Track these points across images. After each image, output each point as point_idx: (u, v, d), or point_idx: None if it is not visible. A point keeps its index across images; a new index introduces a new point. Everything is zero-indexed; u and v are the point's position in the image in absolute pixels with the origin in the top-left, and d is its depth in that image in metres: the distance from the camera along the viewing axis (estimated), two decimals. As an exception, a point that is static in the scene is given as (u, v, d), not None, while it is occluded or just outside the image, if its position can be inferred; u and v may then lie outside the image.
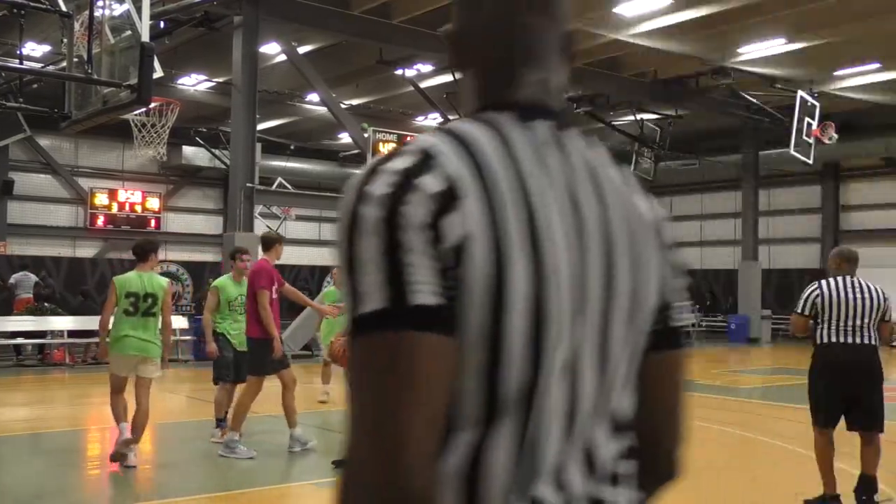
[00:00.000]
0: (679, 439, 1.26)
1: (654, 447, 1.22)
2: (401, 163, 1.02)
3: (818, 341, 6.19)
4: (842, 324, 6.10)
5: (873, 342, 6.20)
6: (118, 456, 7.35)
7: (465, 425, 1.01)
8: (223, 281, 8.80)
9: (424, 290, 0.96)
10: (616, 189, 1.15)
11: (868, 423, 6.15)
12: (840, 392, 6.12)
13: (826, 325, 6.13)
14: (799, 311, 6.26)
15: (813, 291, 6.22)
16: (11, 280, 19.21)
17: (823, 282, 6.23)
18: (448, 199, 0.99)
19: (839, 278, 6.22)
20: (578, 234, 1.08)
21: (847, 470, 6.53)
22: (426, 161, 1.02)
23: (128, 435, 7.31)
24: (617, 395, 1.14)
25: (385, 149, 19.29)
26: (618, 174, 1.18)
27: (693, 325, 26.88)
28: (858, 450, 6.23)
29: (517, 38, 1.16)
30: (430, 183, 0.99)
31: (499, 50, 1.17)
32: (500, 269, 0.99)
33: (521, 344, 1.01)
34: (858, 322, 6.11)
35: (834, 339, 6.11)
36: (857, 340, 6.12)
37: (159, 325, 7.61)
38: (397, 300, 0.96)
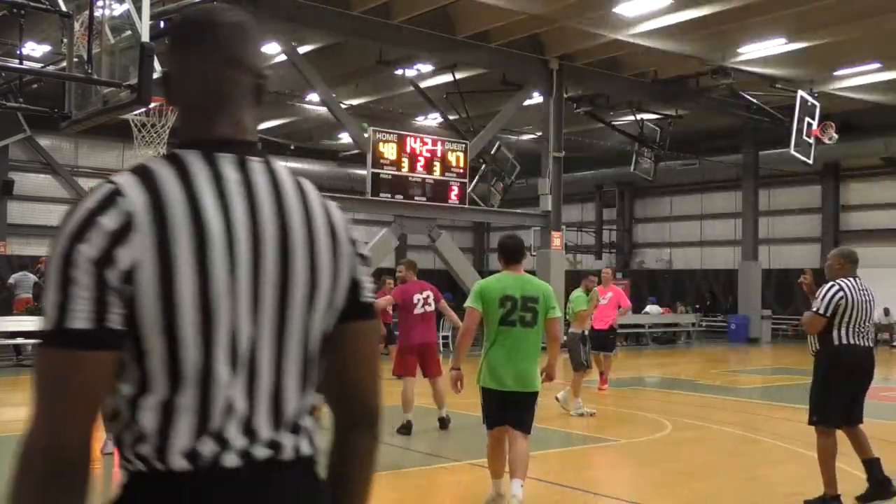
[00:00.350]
0: (374, 390, 1.56)
1: (353, 397, 1.54)
2: (91, 202, 1.34)
3: (836, 342, 6.13)
4: (858, 326, 6.14)
5: (872, 343, 6.35)
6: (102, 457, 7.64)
7: (155, 390, 1.35)
8: None
9: (81, 318, 1.29)
10: (296, 201, 1.44)
11: (861, 418, 6.30)
12: (853, 392, 6.20)
13: (844, 328, 6.11)
14: (822, 312, 6.11)
15: (836, 293, 6.11)
16: (11, 280, 19.21)
17: (842, 283, 6.16)
18: (121, 234, 1.31)
19: (851, 280, 6.20)
20: (254, 242, 1.38)
21: (847, 470, 6.54)
22: (110, 199, 1.33)
23: (112, 446, 7.45)
24: (302, 363, 1.45)
25: (385, 149, 19.31)
26: (300, 189, 1.47)
27: (693, 324, 26.90)
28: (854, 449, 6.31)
29: (213, 86, 1.46)
30: (108, 221, 1.31)
31: (198, 95, 1.46)
32: (167, 285, 1.31)
33: (193, 337, 1.34)
34: (869, 324, 6.22)
35: (853, 342, 6.13)
36: (868, 343, 6.23)
37: None
38: (60, 324, 1.30)
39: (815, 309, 6.16)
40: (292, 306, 1.42)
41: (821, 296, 6.16)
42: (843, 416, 6.19)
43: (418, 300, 9.23)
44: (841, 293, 6.10)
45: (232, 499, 1.37)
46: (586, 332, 10.92)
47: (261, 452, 1.39)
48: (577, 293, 11.11)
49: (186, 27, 1.50)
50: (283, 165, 1.49)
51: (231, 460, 1.37)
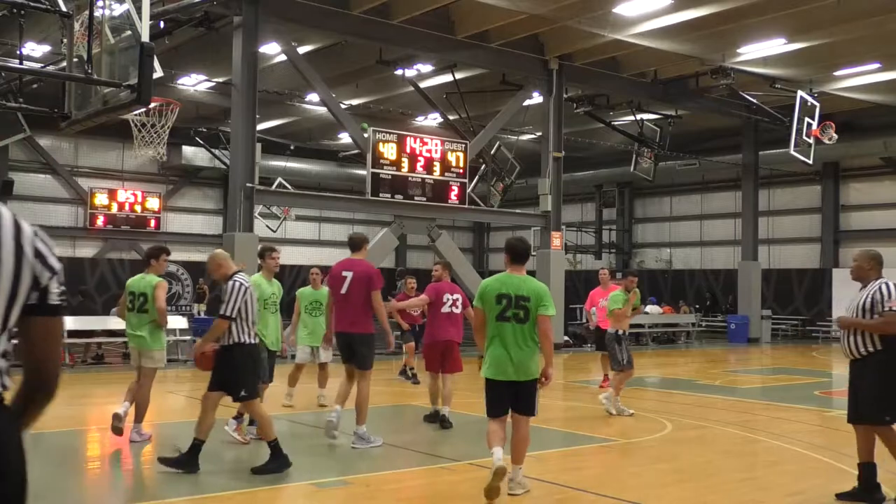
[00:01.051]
0: (51, 366, 2.17)
1: (36, 369, 2.15)
2: None
3: None
4: None
5: None
6: (114, 429, 8.16)
7: None
8: (257, 279, 8.62)
9: None
10: (3, 225, 2.01)
11: None
12: None
13: None
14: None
15: None
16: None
17: (892, 282, 6.15)
18: None
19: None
20: None
21: (850, 471, 6.53)
22: None
23: (119, 411, 8.16)
24: None
25: (385, 149, 19.32)
26: (8, 217, 2.03)
27: (693, 324, 26.91)
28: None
29: None
30: None
31: None
32: None
33: None
34: None
35: None
36: None
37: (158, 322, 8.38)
38: None
39: (893, 307, 6.02)
40: None
41: (893, 295, 6.05)
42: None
43: (448, 299, 9.67)
44: None
45: None
46: (620, 332, 10.89)
47: None
48: (617, 292, 11.13)
49: None
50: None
51: None
